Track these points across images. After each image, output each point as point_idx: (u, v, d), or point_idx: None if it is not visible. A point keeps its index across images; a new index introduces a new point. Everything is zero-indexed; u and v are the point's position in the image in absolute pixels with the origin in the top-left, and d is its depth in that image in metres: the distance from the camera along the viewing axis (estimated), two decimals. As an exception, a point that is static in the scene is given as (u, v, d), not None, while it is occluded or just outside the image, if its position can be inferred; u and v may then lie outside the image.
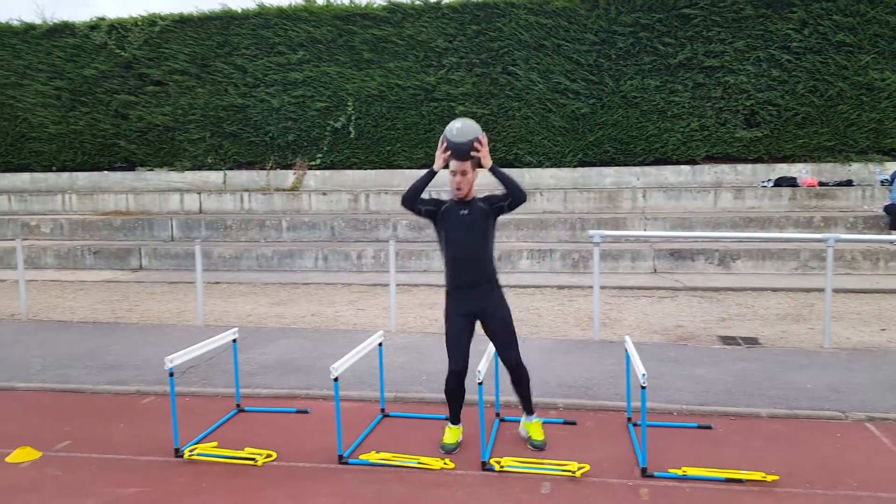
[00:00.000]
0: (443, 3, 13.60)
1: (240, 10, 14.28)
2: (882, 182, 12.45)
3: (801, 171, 12.89)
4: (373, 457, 4.41)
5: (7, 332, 7.74)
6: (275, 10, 14.12)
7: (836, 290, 8.50)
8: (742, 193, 12.54)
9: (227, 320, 8.28)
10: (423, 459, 4.34)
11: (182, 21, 14.35)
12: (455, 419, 4.60)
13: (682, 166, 13.21)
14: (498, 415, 5.10)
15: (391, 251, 7.77)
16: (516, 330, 4.63)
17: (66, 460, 4.50)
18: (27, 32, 14.91)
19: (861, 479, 4.06)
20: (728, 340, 7.05)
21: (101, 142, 14.88)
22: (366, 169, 14.28)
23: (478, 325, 4.57)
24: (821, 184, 12.56)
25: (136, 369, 6.30)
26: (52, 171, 15.22)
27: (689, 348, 6.74)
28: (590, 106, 13.31)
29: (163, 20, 14.39)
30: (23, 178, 15.26)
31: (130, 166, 15.13)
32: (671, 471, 4.11)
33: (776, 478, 4.06)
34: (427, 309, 8.84)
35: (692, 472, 4.10)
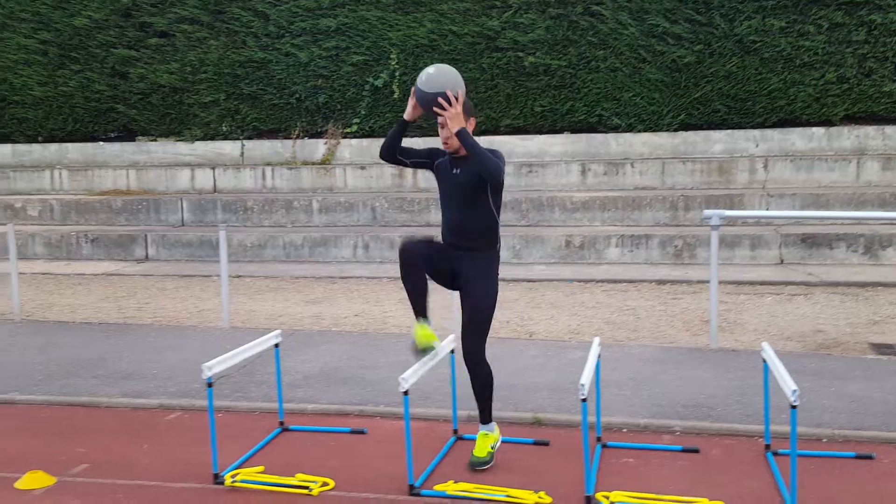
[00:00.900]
0: (509, -72, 13.57)
1: (259, -57, 14.49)
2: None
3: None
4: (450, 487, 4.49)
5: (1, 334, 8.07)
6: (302, -58, 14.29)
7: None
8: (892, 163, 12.22)
9: (256, 321, 8.49)
10: (513, 492, 4.40)
11: (190, -42, 14.64)
12: (419, 311, 4.71)
13: (815, 129, 12.94)
14: (600, 439, 5.12)
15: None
16: (492, 321, 4.79)
17: (85, 487, 4.69)
18: (7, -25, 15.40)
19: None
20: (883, 349, 6.94)
21: (95, 106, 15.31)
22: (412, 136, 14.35)
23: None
24: None
25: (155, 379, 6.52)
26: (37, 142, 15.73)
27: (835, 359, 6.65)
28: (695, 54, 13.13)
29: (167, -43, 14.71)
30: (3, 151, 15.80)
31: (130, 136, 15.53)
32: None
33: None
34: (497, 308, 8.88)
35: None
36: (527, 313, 8.67)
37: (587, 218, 12.08)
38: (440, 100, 4.27)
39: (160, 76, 14.84)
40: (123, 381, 6.48)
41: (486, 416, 4.82)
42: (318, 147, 14.48)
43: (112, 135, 15.56)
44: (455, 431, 5.30)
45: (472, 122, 4.53)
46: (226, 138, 14.88)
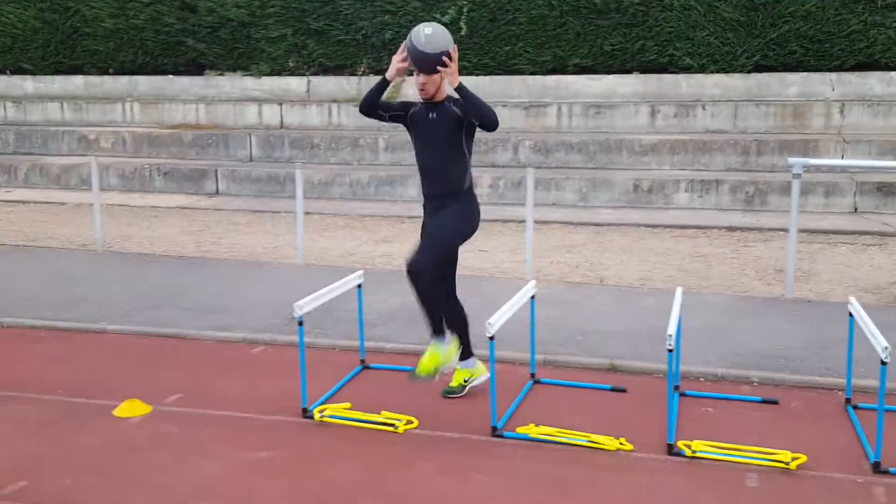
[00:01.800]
0: None
1: None
2: None
3: None
4: (532, 430, 4.58)
5: (83, 264, 8.37)
6: None
7: None
8: (977, 110, 11.77)
9: (329, 259, 8.64)
10: (595, 437, 4.47)
11: None
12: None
13: (894, 73, 12.47)
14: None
15: (529, 181, 7.82)
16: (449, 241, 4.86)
17: (180, 416, 4.90)
18: None
19: None
20: (965, 305, 6.80)
21: (164, 39, 15.41)
22: (478, 75, 14.19)
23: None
24: None
25: (238, 313, 6.72)
26: (108, 73, 15.94)
27: (915, 313, 6.55)
28: (774, -9, 12.68)
29: None
30: (76, 83, 16.06)
31: (198, 69, 15.64)
32: (911, 467, 4.08)
33: None
34: (564, 252, 8.92)
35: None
36: (596, 258, 8.67)
37: (656, 161, 11.90)
38: (444, 58, 4.49)
39: (228, 10, 14.83)
40: (209, 315, 6.69)
41: (436, 329, 4.85)
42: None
43: (181, 69, 15.69)
44: (532, 376, 5.38)
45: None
46: (292, 74, 14.90)
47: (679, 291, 4.96)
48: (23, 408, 5.00)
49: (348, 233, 10.02)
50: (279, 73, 14.95)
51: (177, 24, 15.21)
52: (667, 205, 10.96)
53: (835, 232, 9.50)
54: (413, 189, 11.91)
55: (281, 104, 14.36)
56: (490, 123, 4.55)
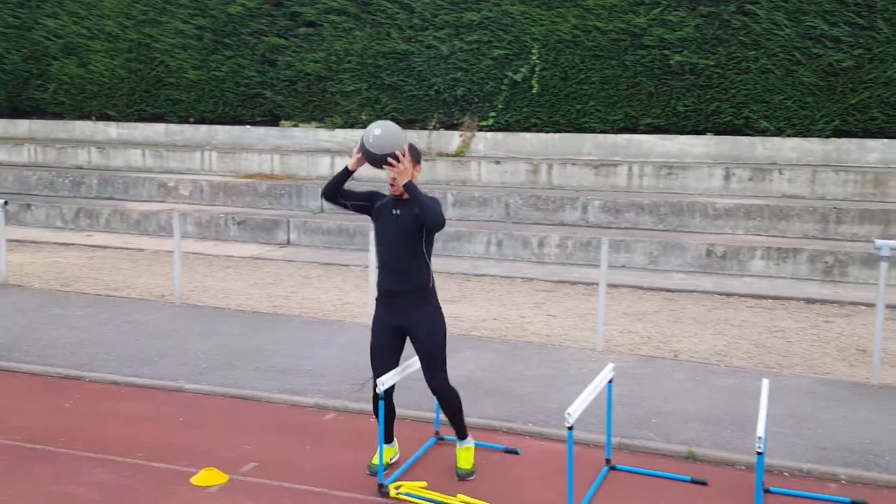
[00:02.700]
0: (661, -77, 13.18)
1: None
2: None
3: None
4: (609, 523, 4.46)
5: (162, 317, 8.53)
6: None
7: None
8: None
9: (399, 319, 8.64)
10: (675, 535, 4.33)
11: (340, -51, 14.90)
12: (387, 438, 5.10)
13: (982, 142, 12.11)
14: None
15: (604, 249, 7.73)
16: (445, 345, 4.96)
17: (256, 488, 4.91)
18: (168, -38, 16.09)
19: None
20: None
21: (244, 91, 15.88)
22: (548, 132, 14.26)
23: None
24: None
25: (309, 376, 6.75)
26: (188, 122, 16.47)
27: None
28: (854, 58, 12.46)
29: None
30: (157, 130, 16.63)
31: (274, 120, 16.04)
32: None
33: None
34: (636, 320, 8.77)
35: None
36: (668, 328, 8.50)
37: (729, 226, 11.69)
38: (389, 160, 4.56)
39: (306, 64, 15.22)
40: (281, 377, 6.74)
41: (462, 433, 5.10)
42: (454, 139, 14.56)
43: (257, 119, 16.10)
44: (608, 461, 5.26)
45: (419, 168, 4.82)
46: (364, 127, 15.12)
47: (766, 385, 4.82)
48: (104, 471, 5.08)
49: (417, 291, 10.03)
50: (352, 126, 15.24)
51: (256, 77, 15.66)
52: (741, 272, 10.73)
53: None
54: (480, 246, 11.94)
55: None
56: (432, 225, 4.66)
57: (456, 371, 6.85)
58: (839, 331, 8.41)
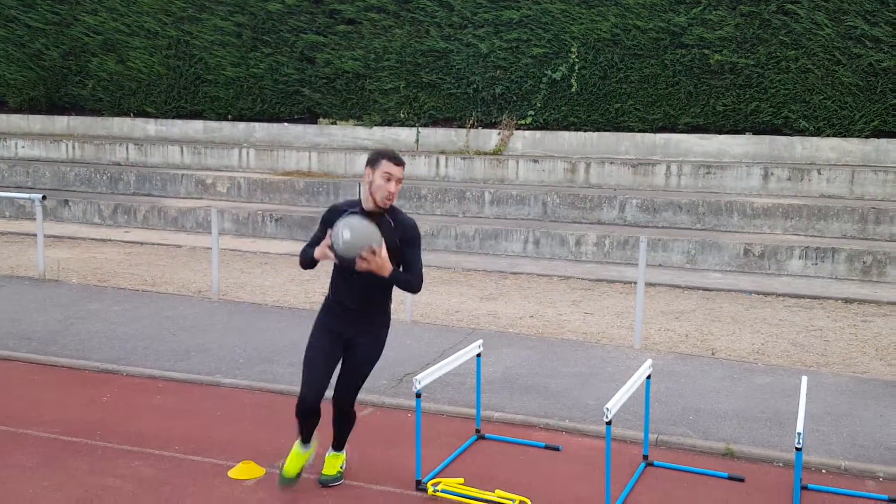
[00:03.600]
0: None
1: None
2: None
3: None
4: (646, 521, 4.45)
5: (199, 313, 8.65)
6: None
7: None
8: None
9: (434, 315, 8.69)
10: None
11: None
12: (305, 438, 4.82)
13: None
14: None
15: (642, 248, 7.69)
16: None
17: (293, 480, 4.96)
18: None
19: None
20: None
21: (282, 89, 16.02)
22: (586, 130, 14.22)
23: None
24: None
25: (346, 372, 6.79)
26: (227, 119, 16.64)
27: None
28: (894, 58, 12.25)
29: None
30: (195, 127, 16.84)
31: (312, 118, 16.17)
32: None
33: None
34: (673, 319, 8.71)
35: None
36: (706, 326, 8.43)
37: (768, 225, 11.57)
38: (364, 254, 4.34)
39: (345, 62, 15.32)
40: (318, 372, 6.78)
41: (340, 446, 4.98)
42: (492, 137, 14.57)
43: (295, 116, 16.24)
44: (645, 457, 5.24)
45: (385, 174, 4.68)
46: (402, 125, 15.23)
47: (805, 382, 4.76)
48: (142, 464, 5.15)
49: (453, 288, 10.07)
50: (390, 124, 15.32)
51: (295, 75, 15.79)
52: (779, 271, 10.61)
53: (965, 311, 9.00)
54: (517, 244, 11.93)
55: (391, 154, 14.64)
56: (412, 293, 4.74)
57: (492, 367, 6.89)
58: (877, 330, 8.29)
